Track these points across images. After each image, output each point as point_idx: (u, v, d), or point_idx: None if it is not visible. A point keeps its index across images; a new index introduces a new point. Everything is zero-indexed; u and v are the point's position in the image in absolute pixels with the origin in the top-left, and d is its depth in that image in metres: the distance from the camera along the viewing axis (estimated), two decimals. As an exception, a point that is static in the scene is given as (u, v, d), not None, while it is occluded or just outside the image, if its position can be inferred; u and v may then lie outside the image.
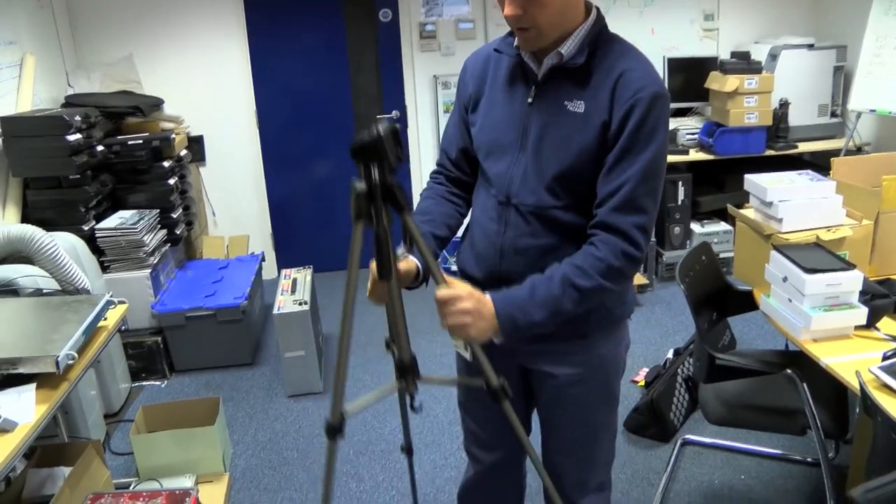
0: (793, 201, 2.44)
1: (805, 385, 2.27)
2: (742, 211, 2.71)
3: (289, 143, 5.09)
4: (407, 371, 1.68)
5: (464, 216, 1.85)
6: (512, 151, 1.64)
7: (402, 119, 5.12)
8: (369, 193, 1.44)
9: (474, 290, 1.52)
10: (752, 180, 2.59)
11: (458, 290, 1.50)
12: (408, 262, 1.63)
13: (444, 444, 3.21)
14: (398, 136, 1.45)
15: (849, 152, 4.51)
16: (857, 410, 2.56)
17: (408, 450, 2.13)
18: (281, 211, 5.23)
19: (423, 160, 5.27)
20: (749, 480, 2.89)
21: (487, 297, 1.53)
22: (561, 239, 1.61)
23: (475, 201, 1.80)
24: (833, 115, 4.87)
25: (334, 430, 1.62)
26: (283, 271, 4.04)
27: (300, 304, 3.56)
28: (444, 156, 1.87)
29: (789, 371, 2.28)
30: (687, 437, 3.13)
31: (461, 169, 1.84)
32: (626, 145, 1.49)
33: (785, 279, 2.24)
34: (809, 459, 2.97)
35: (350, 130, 5.10)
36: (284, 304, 3.57)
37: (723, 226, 4.88)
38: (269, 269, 5.13)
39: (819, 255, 2.25)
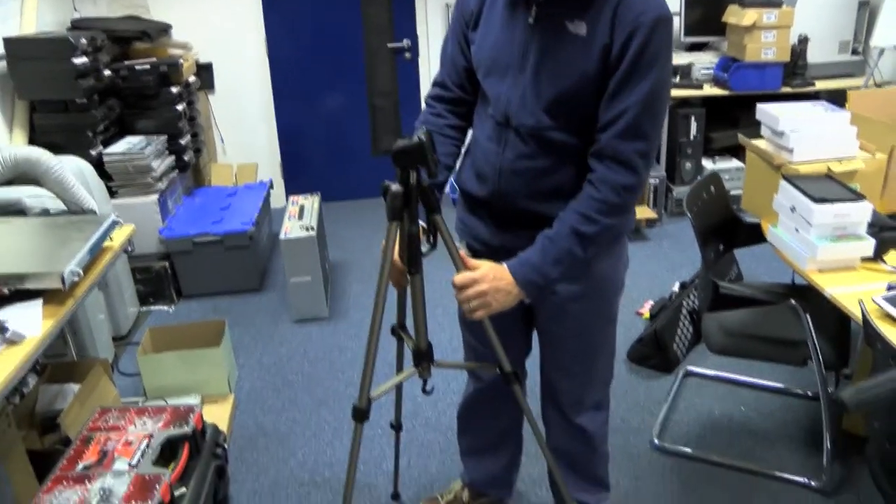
0: (805, 131, 2.40)
1: (808, 316, 2.27)
2: (753, 141, 2.66)
3: (298, 72, 5.03)
4: (423, 357, 1.80)
5: (461, 146, 1.83)
6: (511, 73, 1.60)
7: (413, 48, 5.04)
8: (406, 196, 1.55)
9: (490, 269, 1.58)
10: (765, 109, 2.54)
11: (475, 273, 1.57)
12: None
13: (451, 380, 3.24)
14: (433, 143, 1.55)
15: (868, 90, 4.42)
16: (860, 343, 2.57)
17: (397, 426, 2.25)
18: (290, 140, 5.20)
19: (433, 91, 5.20)
20: (749, 412, 2.92)
21: (504, 268, 1.58)
22: (558, 160, 1.60)
23: (476, 121, 1.78)
24: (854, 52, 4.75)
25: (362, 413, 1.74)
26: (291, 197, 4.04)
27: (307, 229, 3.57)
28: (443, 73, 1.83)
29: (793, 301, 2.28)
30: (689, 368, 3.15)
31: (463, 88, 1.80)
32: (629, 71, 1.46)
33: (793, 209, 2.22)
34: (809, 393, 2.99)
35: (361, 61, 5.03)
36: (291, 229, 3.58)
37: (735, 162, 4.82)
38: (278, 198, 5.12)
39: (829, 186, 2.22)
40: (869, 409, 1.91)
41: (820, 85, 4.65)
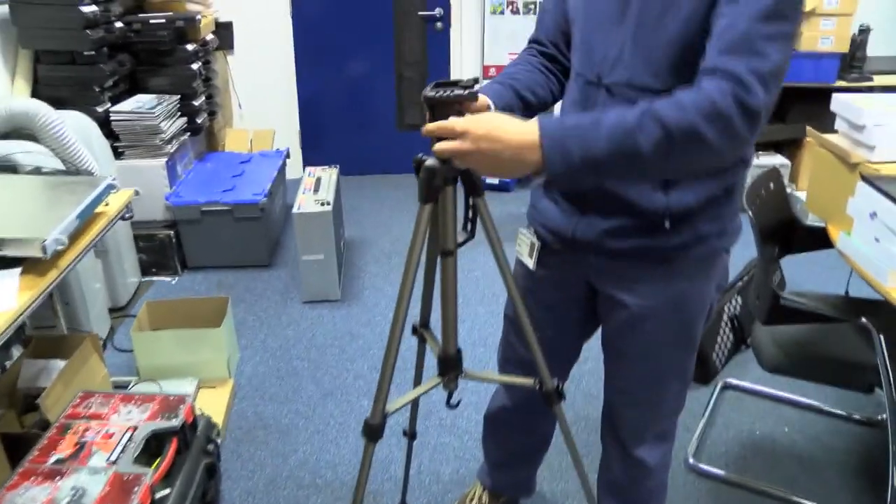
0: (890, 126, 2.12)
1: (881, 337, 2.00)
2: (825, 135, 2.38)
3: (323, 37, 4.76)
4: (450, 366, 1.52)
5: (555, 96, 1.57)
6: (610, 23, 1.34)
7: (445, 18, 4.76)
8: (443, 172, 1.28)
9: (490, 117, 1.22)
10: (842, 100, 2.26)
11: (460, 120, 1.20)
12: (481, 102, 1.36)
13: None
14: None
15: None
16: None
17: (410, 434, 1.95)
18: (311, 108, 4.94)
19: (464, 66, 4.92)
20: (793, 433, 2.66)
21: (515, 121, 1.20)
22: None
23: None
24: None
25: (375, 431, 1.46)
26: (308, 169, 3.79)
27: (322, 204, 3.32)
28: (539, 30, 1.60)
29: (864, 320, 2.02)
30: (728, 380, 2.89)
31: (559, 48, 1.57)
32: None
33: (873, 215, 1.95)
34: (859, 417, 2.73)
35: (391, 28, 4.74)
36: (305, 203, 3.34)
37: (779, 158, 4.52)
38: (294, 169, 4.87)
39: (916, 191, 1.95)
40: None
41: (878, 80, 4.33)
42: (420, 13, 4.70)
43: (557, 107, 1.58)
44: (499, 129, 1.18)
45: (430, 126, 1.20)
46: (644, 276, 1.46)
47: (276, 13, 4.66)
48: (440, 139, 1.21)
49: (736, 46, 1.13)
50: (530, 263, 1.59)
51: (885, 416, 2.71)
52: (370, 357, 3.03)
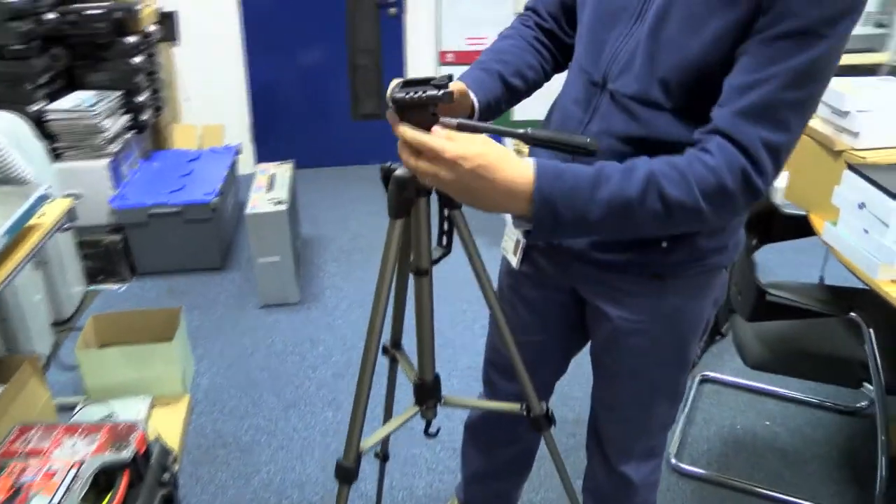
0: (875, 112, 2.02)
1: (871, 331, 1.92)
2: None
3: (274, 25, 4.55)
4: (428, 393, 1.39)
5: (548, 75, 1.42)
6: (624, 19, 1.18)
7: (399, 2, 4.59)
8: (415, 182, 1.13)
9: (482, 147, 1.02)
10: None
11: (448, 144, 1.01)
12: (458, 86, 1.21)
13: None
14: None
15: (892, 70, 4.05)
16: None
17: (383, 456, 1.81)
18: (262, 99, 4.73)
19: (420, 52, 4.76)
20: (774, 427, 2.59)
21: (510, 156, 1.04)
22: (655, 151, 1.11)
23: (566, 76, 1.38)
24: (879, 24, 4.37)
25: (349, 473, 1.32)
26: (260, 166, 3.61)
27: (277, 203, 3.15)
28: (537, 1, 1.45)
29: (853, 314, 1.93)
30: (706, 373, 2.81)
31: (558, 23, 1.41)
32: (790, 28, 0.98)
33: (862, 205, 1.86)
34: (840, 407, 2.68)
35: (343, 14, 4.56)
36: (259, 202, 3.16)
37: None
38: (247, 164, 4.68)
39: (905, 179, 1.86)
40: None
41: (849, 59, 4.27)
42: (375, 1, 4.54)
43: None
44: (491, 167, 1.01)
45: (409, 135, 1.03)
46: (634, 289, 1.34)
47: (223, 3, 4.44)
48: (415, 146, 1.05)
49: (757, 112, 1.01)
50: (514, 261, 1.46)
51: (864, 404, 2.67)
52: (332, 364, 2.88)
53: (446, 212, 1.20)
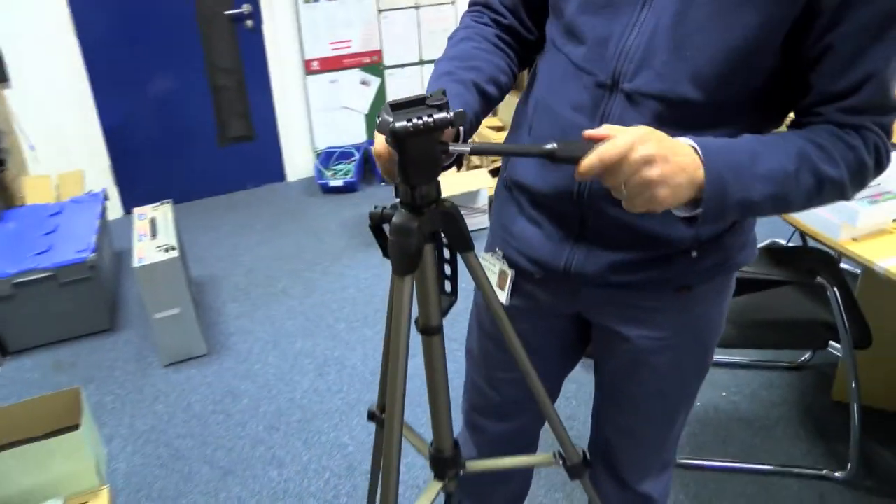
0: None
1: (836, 291, 1.87)
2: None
3: (119, 54, 4.11)
4: (448, 463, 1.18)
5: (515, 78, 1.23)
6: (625, 8, 1.02)
7: (255, 14, 4.28)
8: (421, 228, 0.92)
9: (648, 132, 0.89)
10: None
11: (626, 135, 0.88)
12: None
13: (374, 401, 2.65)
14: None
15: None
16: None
17: None
18: (119, 137, 4.28)
19: (284, 65, 4.47)
20: (731, 396, 2.55)
21: (673, 139, 0.92)
22: None
23: (542, 77, 1.18)
24: None
25: None
26: (136, 210, 3.25)
27: (167, 250, 2.82)
28: None
29: (819, 279, 1.88)
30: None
31: (518, 17, 1.22)
32: (878, 22, 0.92)
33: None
34: (785, 364, 2.67)
35: (196, 33, 4.21)
36: (146, 252, 2.82)
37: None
38: (115, 209, 4.26)
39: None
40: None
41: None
42: (226, 12, 4.21)
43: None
44: (672, 148, 0.90)
45: (606, 157, 0.87)
46: (656, 305, 1.19)
47: (56, 34, 3.97)
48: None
49: (866, 107, 0.97)
50: (502, 296, 1.27)
51: (807, 356, 2.67)
52: (262, 416, 2.60)
53: (446, 252, 1.00)
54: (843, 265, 2.16)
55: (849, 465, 2.15)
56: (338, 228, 4.06)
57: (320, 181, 4.54)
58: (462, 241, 0.98)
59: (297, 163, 4.77)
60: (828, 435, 2.36)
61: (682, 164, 0.89)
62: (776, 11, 0.93)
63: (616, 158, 0.86)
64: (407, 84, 4.72)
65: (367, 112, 4.74)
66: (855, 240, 1.80)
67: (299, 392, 2.72)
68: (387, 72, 4.66)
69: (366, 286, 3.42)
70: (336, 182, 4.51)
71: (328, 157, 4.71)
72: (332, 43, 4.48)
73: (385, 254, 0.95)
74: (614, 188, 0.91)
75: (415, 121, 0.81)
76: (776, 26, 0.94)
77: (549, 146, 0.86)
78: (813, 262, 2.04)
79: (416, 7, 4.53)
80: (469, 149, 0.87)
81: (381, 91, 4.71)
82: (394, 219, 0.91)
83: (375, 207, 0.93)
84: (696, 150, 0.91)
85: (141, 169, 4.38)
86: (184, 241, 3.39)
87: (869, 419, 2.23)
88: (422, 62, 4.71)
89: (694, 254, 1.11)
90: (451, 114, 0.83)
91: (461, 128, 1.03)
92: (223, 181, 4.63)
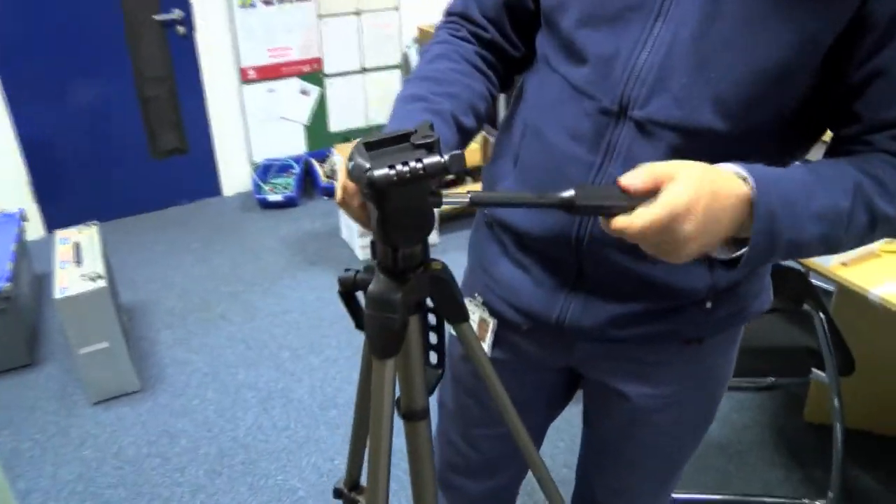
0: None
1: (822, 316, 1.78)
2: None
3: (37, 62, 3.79)
4: None
5: (495, 102, 1.07)
6: (637, 20, 0.86)
7: (187, 19, 4.03)
8: (405, 299, 0.73)
9: (695, 179, 0.73)
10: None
11: (671, 200, 0.71)
12: None
13: (325, 438, 2.46)
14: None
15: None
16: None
17: None
18: (39, 152, 3.95)
19: (218, 73, 4.23)
20: (703, 423, 2.45)
21: (725, 168, 0.77)
22: None
23: (531, 97, 1.02)
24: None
25: None
26: (58, 233, 2.98)
27: (93, 279, 2.57)
28: (465, 2, 1.07)
29: (806, 306, 1.78)
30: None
31: (501, 30, 1.05)
32: None
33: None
34: (754, 384, 2.62)
35: (123, 40, 3.94)
36: (69, 281, 2.56)
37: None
38: (35, 229, 3.94)
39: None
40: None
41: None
42: (155, 17, 3.95)
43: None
44: (715, 182, 0.75)
45: (649, 232, 0.73)
46: (661, 359, 1.06)
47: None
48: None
49: None
50: (484, 347, 1.11)
51: (772, 379, 2.59)
52: (202, 459, 2.38)
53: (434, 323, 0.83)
54: (812, 280, 2.07)
55: (829, 493, 2.06)
56: (278, 245, 3.84)
57: (258, 196, 4.31)
58: (455, 311, 0.81)
59: (234, 176, 4.53)
60: (803, 459, 2.29)
61: (723, 207, 0.74)
62: (817, 25, 0.80)
63: (668, 224, 0.72)
64: (348, 94, 4.53)
65: (306, 123, 4.53)
66: (844, 265, 1.71)
67: (242, 430, 2.51)
68: (327, 80, 4.45)
69: (310, 309, 3.21)
70: (275, 197, 4.29)
71: (266, 171, 4.48)
72: (270, 50, 4.26)
73: (358, 325, 0.77)
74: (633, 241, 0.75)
75: (399, 167, 0.64)
76: (817, 44, 0.81)
77: (566, 194, 0.70)
78: (793, 285, 1.94)
79: (358, 13, 4.34)
80: (468, 200, 0.71)
81: (322, 100, 4.50)
82: (371, 287, 0.73)
83: (347, 270, 0.75)
84: (745, 179, 0.77)
85: (64, 185, 4.08)
86: (112, 263, 3.13)
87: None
88: (364, 70, 4.52)
89: (708, 304, 0.98)
90: (446, 157, 0.65)
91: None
92: (154, 197, 4.35)
